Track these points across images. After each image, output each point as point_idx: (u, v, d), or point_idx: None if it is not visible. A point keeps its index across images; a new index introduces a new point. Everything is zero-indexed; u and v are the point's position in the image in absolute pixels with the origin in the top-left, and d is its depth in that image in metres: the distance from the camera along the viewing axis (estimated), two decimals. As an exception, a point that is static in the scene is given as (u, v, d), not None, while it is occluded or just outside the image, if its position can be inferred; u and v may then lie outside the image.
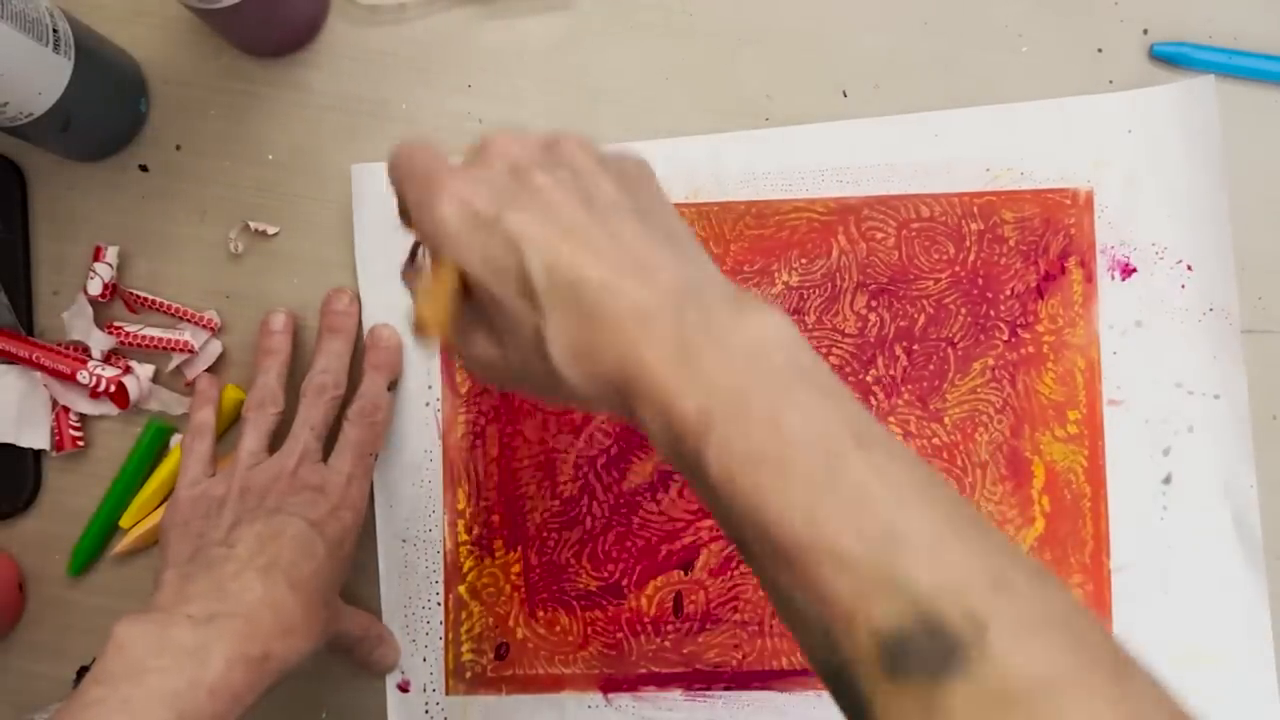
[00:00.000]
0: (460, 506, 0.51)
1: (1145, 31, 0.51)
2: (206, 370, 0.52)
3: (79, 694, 0.39)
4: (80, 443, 0.52)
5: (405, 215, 0.37)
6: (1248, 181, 0.50)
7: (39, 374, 0.51)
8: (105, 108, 0.51)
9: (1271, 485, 0.50)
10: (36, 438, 0.52)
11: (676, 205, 0.50)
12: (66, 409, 0.52)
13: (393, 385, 0.51)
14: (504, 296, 0.33)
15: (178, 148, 0.53)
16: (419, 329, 0.34)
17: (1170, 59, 0.51)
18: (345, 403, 0.49)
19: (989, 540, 0.29)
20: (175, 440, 0.52)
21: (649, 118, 0.52)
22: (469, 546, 0.51)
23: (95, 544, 0.52)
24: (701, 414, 0.30)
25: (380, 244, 0.51)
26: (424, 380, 0.51)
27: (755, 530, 0.29)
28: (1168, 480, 0.50)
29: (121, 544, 0.52)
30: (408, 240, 0.40)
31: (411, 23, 0.53)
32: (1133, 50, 0.51)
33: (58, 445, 0.52)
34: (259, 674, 0.41)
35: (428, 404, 0.51)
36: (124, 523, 0.52)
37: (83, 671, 0.51)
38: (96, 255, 0.52)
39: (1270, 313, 0.51)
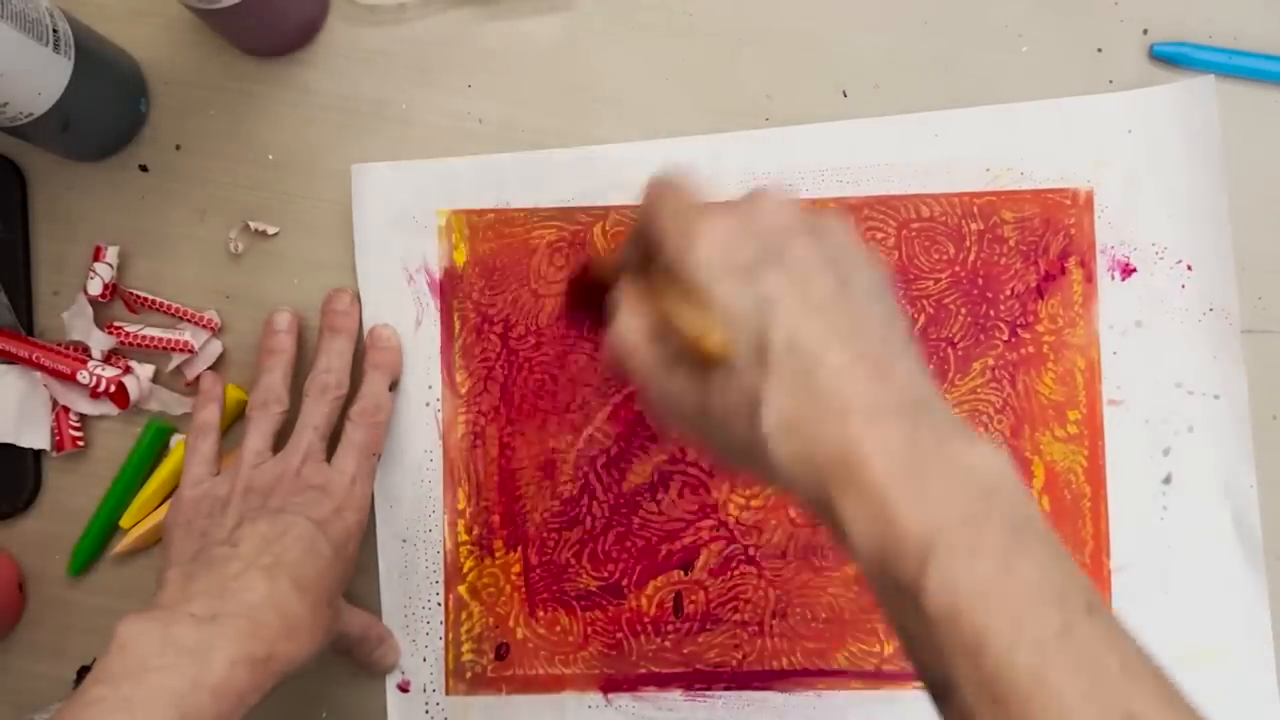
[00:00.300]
0: (460, 506, 0.51)
1: (1145, 31, 0.51)
2: (219, 377, 0.52)
3: (80, 693, 0.39)
4: (80, 443, 0.52)
5: (640, 240, 0.37)
6: (1248, 181, 0.50)
7: (39, 374, 0.51)
8: (105, 108, 0.51)
9: (1271, 485, 0.50)
10: (36, 438, 0.52)
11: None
12: (66, 409, 0.52)
13: (393, 386, 0.51)
14: (737, 348, 0.33)
15: (178, 148, 0.53)
16: (711, 355, 0.33)
17: (1170, 59, 0.51)
18: (347, 402, 0.49)
19: None
20: (175, 440, 0.52)
21: (649, 118, 0.52)
22: (469, 546, 0.51)
23: (95, 544, 0.52)
24: (926, 536, 0.29)
25: (380, 244, 0.51)
26: (424, 380, 0.51)
27: (970, 673, 0.28)
28: (1168, 480, 0.50)
29: (122, 544, 0.52)
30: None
31: (411, 23, 0.53)
32: (1133, 50, 0.51)
33: (58, 445, 0.52)
34: (263, 675, 0.41)
35: (428, 404, 0.51)
36: (124, 523, 0.52)
37: (83, 671, 0.51)
38: (96, 255, 0.52)
39: (1270, 313, 0.51)
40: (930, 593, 0.29)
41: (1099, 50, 0.51)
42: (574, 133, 0.52)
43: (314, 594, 0.44)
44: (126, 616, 0.41)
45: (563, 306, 0.51)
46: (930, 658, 0.30)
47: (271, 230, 0.52)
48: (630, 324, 0.37)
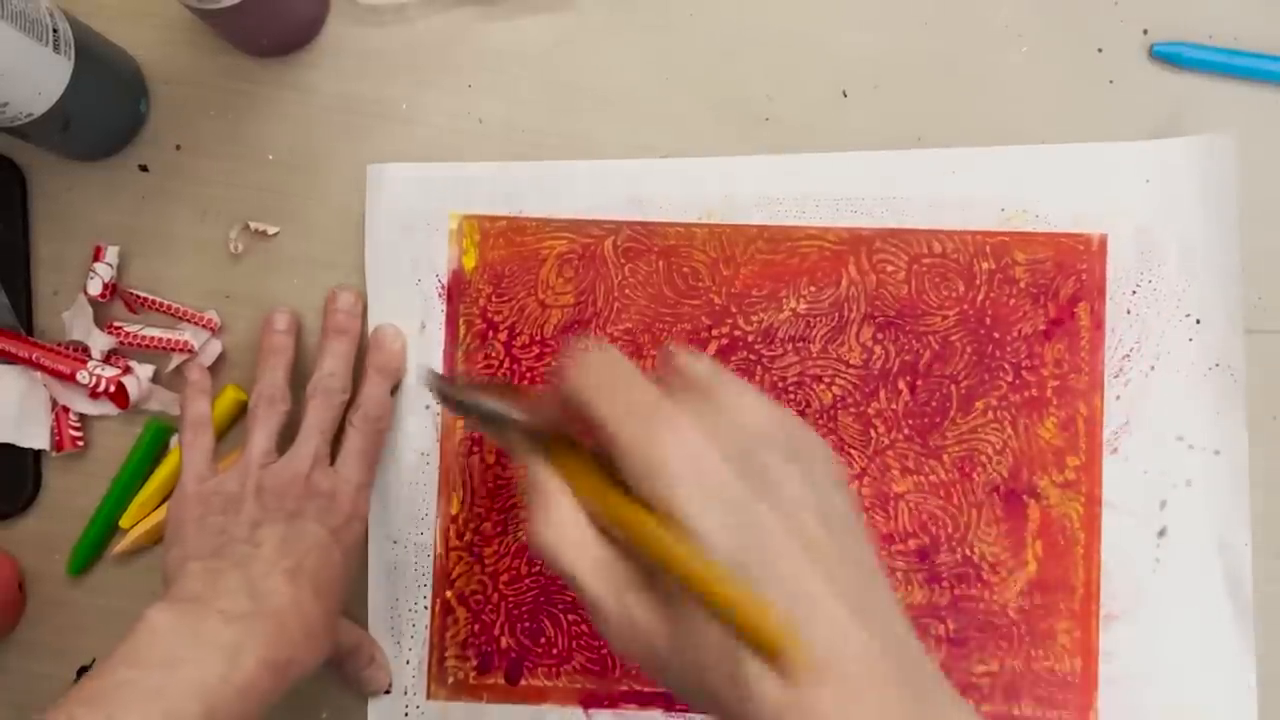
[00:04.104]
0: (454, 511, 0.51)
1: (1145, 31, 0.51)
2: (205, 368, 0.52)
3: (107, 671, 0.38)
4: (80, 443, 0.52)
5: (565, 420, 0.32)
6: (1248, 181, 0.50)
7: (39, 374, 0.51)
8: (105, 108, 0.51)
9: (1271, 486, 0.50)
10: (36, 438, 0.52)
11: (689, 226, 0.51)
12: (66, 409, 0.52)
13: (394, 388, 0.51)
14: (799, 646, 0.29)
15: (178, 148, 0.53)
16: (759, 640, 0.28)
17: (1170, 59, 0.51)
18: (348, 405, 0.49)
19: None
20: (175, 440, 0.52)
21: (649, 118, 0.52)
22: (460, 552, 0.51)
23: (95, 544, 0.52)
24: None
25: (392, 245, 0.51)
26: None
27: None
28: (1163, 533, 0.49)
29: (121, 544, 0.52)
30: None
31: (411, 23, 0.53)
32: (1133, 50, 0.51)
33: (58, 445, 0.52)
34: (282, 678, 0.41)
35: (428, 407, 0.51)
36: (124, 523, 0.52)
37: (83, 671, 0.52)
38: (96, 255, 0.52)
39: (1270, 313, 0.51)
40: None
41: (1099, 50, 0.51)
42: (574, 133, 0.52)
43: (328, 601, 0.44)
44: (156, 604, 0.41)
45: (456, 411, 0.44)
46: None
47: (271, 230, 0.52)
48: (567, 520, 0.31)
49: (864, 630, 0.28)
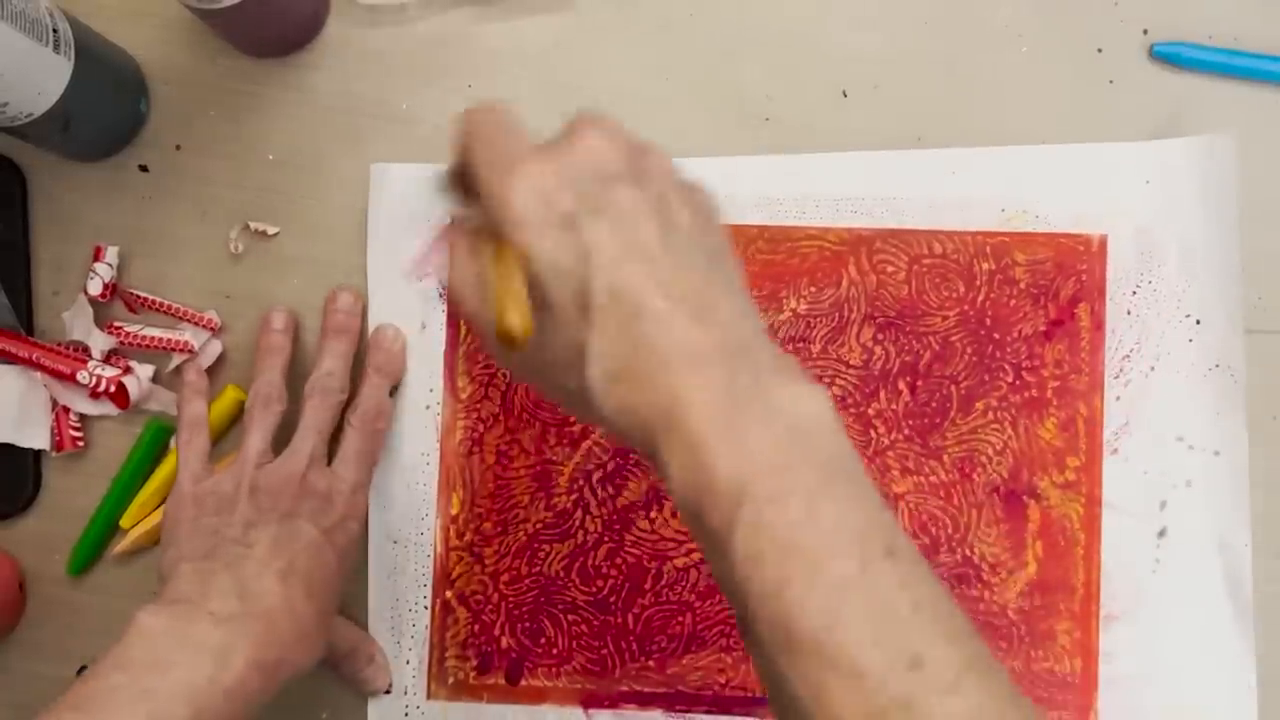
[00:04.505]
0: (454, 512, 0.51)
1: (1145, 31, 0.51)
2: (203, 368, 0.52)
3: (98, 675, 0.38)
4: (80, 443, 0.52)
5: (457, 179, 0.35)
6: (1248, 182, 0.50)
7: (39, 374, 0.51)
8: (105, 108, 0.51)
9: (1271, 486, 0.50)
10: (36, 438, 0.52)
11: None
12: (66, 409, 0.52)
13: (393, 389, 0.51)
14: (559, 299, 0.32)
15: (178, 148, 0.53)
16: (507, 337, 0.32)
17: (1170, 59, 0.51)
18: (347, 403, 0.49)
19: (1004, 686, 0.29)
20: (175, 441, 0.52)
21: (649, 117, 0.51)
22: (460, 553, 0.51)
23: (95, 544, 0.52)
24: (738, 484, 0.30)
25: (394, 245, 0.51)
26: (425, 383, 0.51)
27: (769, 615, 0.29)
28: (1163, 534, 0.49)
29: (121, 544, 0.52)
30: (418, 234, 0.37)
31: (411, 23, 0.53)
32: (1133, 50, 0.51)
33: (58, 445, 0.52)
34: (272, 680, 0.41)
35: (428, 407, 0.51)
36: (124, 523, 0.52)
37: (83, 671, 0.51)
38: (96, 255, 0.52)
39: (1270, 313, 0.50)
40: (738, 540, 0.29)
41: (1099, 50, 0.51)
42: (574, 133, 0.52)
43: (320, 602, 0.44)
44: (145, 606, 0.41)
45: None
46: (739, 604, 0.30)
47: (271, 230, 0.52)
48: (463, 273, 0.35)
49: (690, 322, 0.32)
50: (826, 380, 0.51)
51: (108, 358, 0.52)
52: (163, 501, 0.51)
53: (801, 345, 0.51)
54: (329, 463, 0.48)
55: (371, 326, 0.51)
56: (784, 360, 0.33)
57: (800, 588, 0.29)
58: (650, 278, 0.32)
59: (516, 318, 0.32)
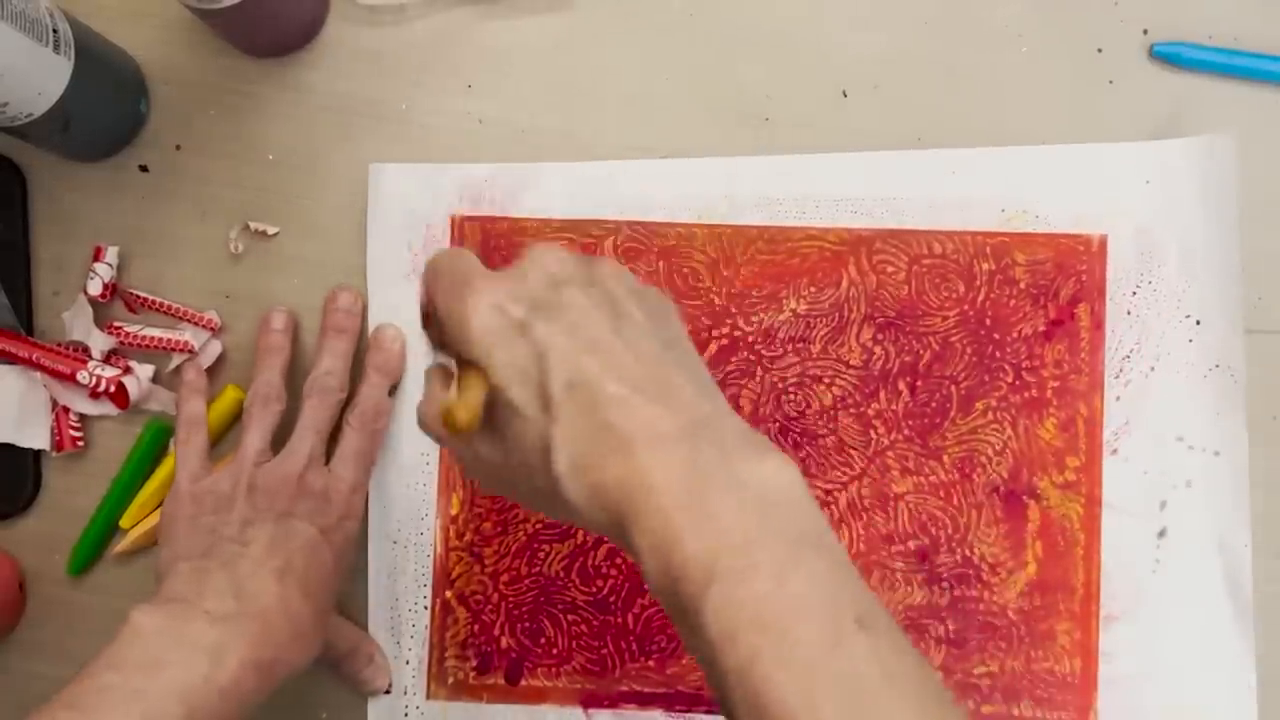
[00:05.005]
0: (454, 512, 0.51)
1: (1145, 31, 0.51)
2: (202, 368, 0.52)
3: (92, 675, 0.39)
4: (80, 443, 0.52)
5: (428, 321, 0.37)
6: (1248, 182, 0.50)
7: (39, 374, 0.51)
8: (105, 108, 0.51)
9: (1271, 486, 0.50)
10: (36, 438, 0.52)
11: (689, 226, 0.51)
12: (66, 409, 0.52)
13: (393, 389, 0.51)
14: (521, 402, 0.33)
15: (178, 148, 0.53)
16: (451, 424, 0.33)
17: (1170, 59, 0.51)
18: (346, 403, 0.49)
19: None
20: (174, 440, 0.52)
21: (649, 117, 0.52)
22: (459, 553, 0.51)
23: (95, 544, 0.52)
24: (708, 561, 0.30)
25: (394, 244, 0.51)
26: (424, 381, 0.51)
27: (745, 692, 0.29)
28: (1163, 534, 0.49)
29: (121, 544, 0.52)
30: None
31: (411, 23, 0.53)
32: (1133, 50, 0.51)
33: (58, 445, 0.52)
34: (267, 679, 0.41)
35: (427, 405, 0.51)
36: (124, 523, 0.52)
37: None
38: (96, 255, 0.52)
39: (1270, 313, 0.50)
40: (709, 616, 0.29)
41: (1099, 50, 0.51)
42: (574, 133, 0.52)
43: (317, 601, 0.44)
44: (140, 605, 0.41)
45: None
46: (714, 682, 0.30)
47: (271, 230, 0.52)
48: (434, 407, 0.36)
49: (649, 402, 0.32)
50: (826, 381, 0.51)
51: (108, 358, 0.52)
52: (163, 501, 0.52)
53: (801, 345, 0.51)
54: (327, 462, 0.48)
55: (371, 326, 0.51)
56: (749, 434, 0.33)
57: (770, 664, 0.28)
58: (606, 366, 0.33)
59: (461, 411, 0.33)
